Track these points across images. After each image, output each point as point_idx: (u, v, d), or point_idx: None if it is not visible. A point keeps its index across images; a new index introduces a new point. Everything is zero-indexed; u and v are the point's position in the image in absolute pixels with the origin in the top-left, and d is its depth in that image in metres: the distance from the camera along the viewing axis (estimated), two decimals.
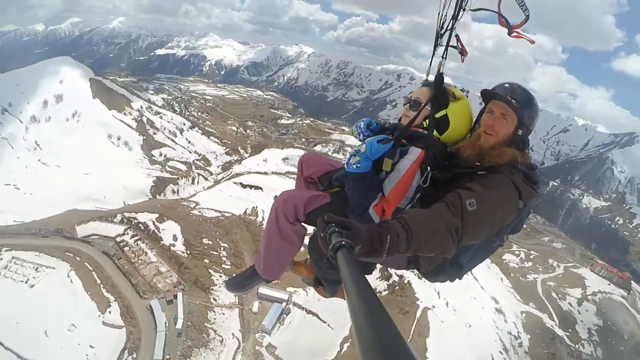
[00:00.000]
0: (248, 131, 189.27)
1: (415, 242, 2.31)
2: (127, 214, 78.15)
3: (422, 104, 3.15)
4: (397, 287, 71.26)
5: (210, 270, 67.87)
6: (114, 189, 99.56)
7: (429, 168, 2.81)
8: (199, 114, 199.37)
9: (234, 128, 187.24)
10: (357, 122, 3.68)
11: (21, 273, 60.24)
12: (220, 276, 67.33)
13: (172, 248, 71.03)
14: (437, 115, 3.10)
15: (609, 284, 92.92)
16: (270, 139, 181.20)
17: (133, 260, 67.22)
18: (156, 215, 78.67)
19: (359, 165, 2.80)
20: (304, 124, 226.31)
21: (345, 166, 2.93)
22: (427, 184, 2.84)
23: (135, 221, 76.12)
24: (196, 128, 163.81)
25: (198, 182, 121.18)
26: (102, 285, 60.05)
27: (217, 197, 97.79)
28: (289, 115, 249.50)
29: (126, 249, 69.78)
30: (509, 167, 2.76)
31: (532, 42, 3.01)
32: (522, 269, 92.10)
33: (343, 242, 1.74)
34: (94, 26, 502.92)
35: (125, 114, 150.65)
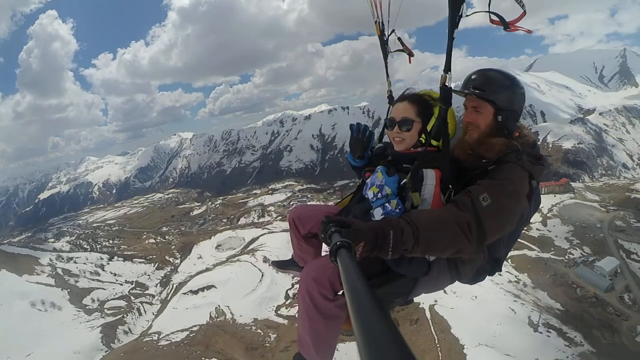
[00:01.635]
0: (167, 237, 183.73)
1: (423, 239, 2.30)
2: None
3: (413, 121, 2.94)
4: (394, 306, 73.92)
5: None
6: (64, 359, 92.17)
7: (450, 186, 2.71)
8: (111, 241, 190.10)
9: (152, 240, 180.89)
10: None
11: None
12: None
13: None
14: (430, 125, 2.94)
15: (555, 196, 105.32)
16: (192, 234, 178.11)
17: None
18: None
19: (400, 207, 2.63)
20: (217, 205, 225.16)
21: (385, 216, 2.57)
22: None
23: None
24: (115, 257, 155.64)
25: (145, 311, 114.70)
26: None
27: (175, 317, 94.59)
28: (199, 204, 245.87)
29: None
30: (513, 153, 2.74)
31: (530, 31, 2.82)
32: None
33: (341, 242, 1.71)
34: None
35: (38, 274, 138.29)
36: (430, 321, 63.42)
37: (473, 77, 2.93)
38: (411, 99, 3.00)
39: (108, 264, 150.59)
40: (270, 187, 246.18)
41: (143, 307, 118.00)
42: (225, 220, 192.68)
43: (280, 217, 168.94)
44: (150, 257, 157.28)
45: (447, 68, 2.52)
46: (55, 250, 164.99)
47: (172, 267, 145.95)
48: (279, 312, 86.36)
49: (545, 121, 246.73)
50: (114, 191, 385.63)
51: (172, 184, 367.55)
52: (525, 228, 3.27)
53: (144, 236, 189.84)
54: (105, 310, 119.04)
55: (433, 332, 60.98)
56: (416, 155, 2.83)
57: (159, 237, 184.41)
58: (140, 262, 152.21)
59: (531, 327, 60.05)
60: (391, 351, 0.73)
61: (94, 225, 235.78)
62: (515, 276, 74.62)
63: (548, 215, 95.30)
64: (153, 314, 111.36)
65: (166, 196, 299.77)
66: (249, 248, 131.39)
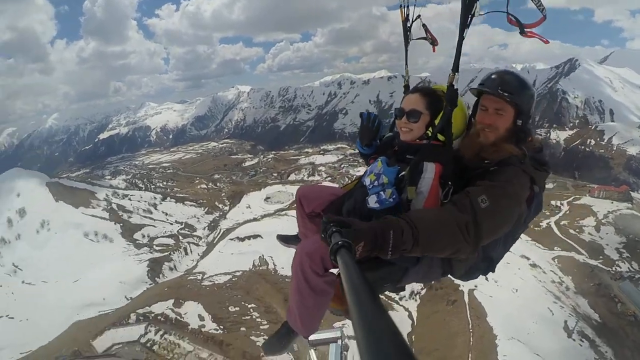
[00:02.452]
0: (218, 184, 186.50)
1: (423, 239, 2.28)
2: (140, 311, 73.87)
3: (422, 113, 2.88)
4: (432, 283, 71.05)
5: (252, 337, 64.28)
6: (111, 287, 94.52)
7: (449, 183, 2.67)
8: (165, 183, 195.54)
9: (204, 186, 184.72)
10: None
11: None
12: (264, 339, 63.61)
13: (203, 330, 67.47)
14: (438, 119, 2.83)
15: (612, 202, 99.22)
16: (243, 184, 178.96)
17: (169, 358, 62.94)
18: (171, 301, 75.00)
19: (394, 197, 2.65)
20: (269, 160, 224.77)
21: (379, 204, 2.65)
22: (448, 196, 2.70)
23: (153, 315, 72.05)
24: (168, 198, 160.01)
25: (191, 251, 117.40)
26: None
27: (220, 260, 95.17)
28: (251, 156, 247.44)
29: (156, 347, 65.36)
30: (518, 157, 2.72)
31: (547, 41, 2.71)
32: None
33: (341, 242, 1.71)
34: (30, 130, 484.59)
35: (93, 208, 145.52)
36: (467, 305, 63.53)
37: (498, 78, 2.91)
38: (423, 92, 2.99)
39: (160, 203, 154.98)
40: (322, 148, 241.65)
41: (190, 247, 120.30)
42: (275, 174, 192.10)
43: (329, 178, 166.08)
44: (201, 201, 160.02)
45: (456, 68, 2.54)
46: (111, 187, 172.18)
47: (221, 213, 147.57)
48: None
49: (613, 120, 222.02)
50: (171, 136, 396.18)
51: (226, 135, 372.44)
52: (523, 231, 3.15)
53: (197, 181, 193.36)
54: (154, 246, 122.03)
55: (468, 316, 60.96)
56: (420, 147, 2.88)
57: (210, 184, 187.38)
58: (190, 205, 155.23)
59: (566, 332, 60.26)
60: (392, 352, 0.73)
61: (150, 166, 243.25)
62: (560, 277, 73.28)
63: (602, 221, 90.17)
64: (198, 254, 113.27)
65: (220, 145, 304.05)
66: None
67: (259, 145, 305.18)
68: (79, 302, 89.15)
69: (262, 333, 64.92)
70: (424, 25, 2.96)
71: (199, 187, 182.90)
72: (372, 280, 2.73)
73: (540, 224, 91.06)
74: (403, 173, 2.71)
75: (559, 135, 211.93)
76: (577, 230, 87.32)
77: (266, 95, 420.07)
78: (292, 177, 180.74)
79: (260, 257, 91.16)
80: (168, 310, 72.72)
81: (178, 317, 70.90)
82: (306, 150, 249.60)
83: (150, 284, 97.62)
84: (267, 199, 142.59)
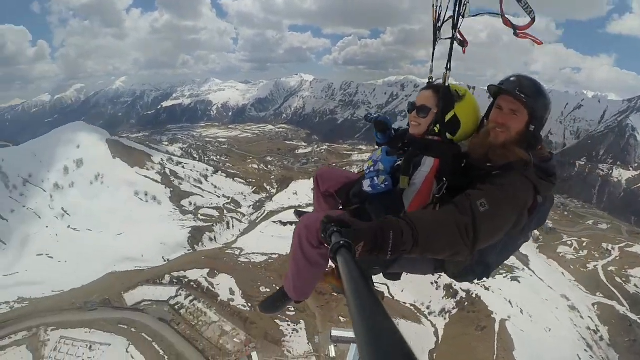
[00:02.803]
0: (269, 167, 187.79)
1: (422, 240, 2.31)
2: (175, 274, 74.24)
3: (430, 109, 3.04)
4: (466, 304, 69.36)
5: (277, 321, 62.51)
6: (150, 246, 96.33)
7: (444, 179, 2.78)
8: (218, 157, 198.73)
9: (255, 166, 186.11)
10: (369, 116, 3.66)
11: (74, 354, 55.56)
12: (288, 324, 62.79)
13: (231, 303, 66.82)
14: (448, 117, 2.97)
15: None
16: (293, 171, 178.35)
17: (193, 324, 62.50)
18: (206, 270, 74.88)
19: (386, 183, 2.89)
20: (322, 150, 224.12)
21: (371, 188, 2.94)
22: (444, 193, 2.82)
23: (186, 280, 72.19)
24: (219, 172, 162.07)
25: (233, 226, 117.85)
26: (166, 357, 55.12)
27: (260, 240, 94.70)
28: (305, 144, 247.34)
29: (183, 311, 65.22)
30: (521, 163, 2.67)
31: (540, 42, 2.91)
32: (579, 259, 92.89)
33: (342, 242, 1.72)
34: (98, 89, 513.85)
35: (147, 169, 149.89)
36: (496, 335, 60.99)
37: (517, 80, 2.88)
38: (436, 89, 3.07)
39: (212, 176, 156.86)
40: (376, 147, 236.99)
41: (232, 222, 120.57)
42: (327, 166, 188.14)
43: None
44: (250, 180, 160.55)
45: (448, 67, 2.87)
46: (167, 152, 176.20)
47: (268, 195, 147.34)
48: None
49: None
50: (230, 114, 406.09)
51: (284, 120, 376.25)
52: (524, 241, 3.16)
53: (249, 160, 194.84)
54: (199, 215, 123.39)
55: (495, 346, 58.61)
56: (425, 142, 3.03)
57: (262, 165, 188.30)
58: (240, 182, 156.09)
59: None
60: (392, 351, 0.73)
61: (206, 139, 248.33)
62: (596, 326, 69.46)
63: None
64: (239, 230, 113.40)
65: (277, 129, 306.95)
66: None
67: (314, 135, 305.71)
68: (118, 255, 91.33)
69: (286, 319, 63.62)
70: (456, 25, 2.83)
71: (250, 166, 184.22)
72: (360, 261, 2.63)
73: (587, 265, 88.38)
74: (399, 163, 2.89)
75: (621, 174, 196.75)
76: (623, 279, 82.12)
77: (328, 87, 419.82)
78: None
79: None
80: (202, 279, 72.62)
81: (210, 287, 70.71)
82: (360, 147, 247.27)
83: (188, 250, 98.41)
84: (314, 188, 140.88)
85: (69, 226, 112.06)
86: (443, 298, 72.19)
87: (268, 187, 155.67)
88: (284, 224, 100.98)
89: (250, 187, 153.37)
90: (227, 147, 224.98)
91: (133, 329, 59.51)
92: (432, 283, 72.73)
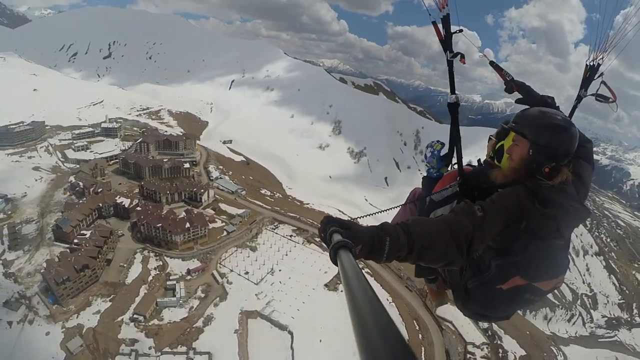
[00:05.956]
0: None
1: (417, 248, 2.45)
2: None
3: (491, 138, 3.58)
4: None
5: None
6: None
7: (455, 202, 3.54)
8: (607, 239, 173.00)
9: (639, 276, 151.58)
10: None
11: None
12: None
13: None
14: (497, 147, 3.45)
15: None
16: None
17: None
18: None
19: (437, 174, 4.24)
20: None
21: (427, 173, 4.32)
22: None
23: None
24: (602, 257, 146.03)
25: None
26: None
27: None
28: None
29: None
30: (518, 183, 3.03)
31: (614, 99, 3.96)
32: None
33: (343, 242, 1.75)
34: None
35: None
36: None
37: (520, 112, 3.31)
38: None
39: (592, 256, 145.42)
40: None
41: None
42: None
43: None
44: (624, 288, 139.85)
45: (452, 90, 3.48)
46: None
47: (629, 318, 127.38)
48: None
49: None
50: None
51: None
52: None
53: (636, 265, 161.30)
54: None
55: None
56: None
57: None
58: (612, 283, 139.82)
59: None
60: (392, 351, 0.74)
61: (605, 212, 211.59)
62: None
63: None
64: None
65: None
66: None
67: None
68: None
69: None
70: (460, 30, 3.38)
71: (633, 273, 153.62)
72: None
73: None
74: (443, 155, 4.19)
75: None
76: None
77: None
78: None
79: None
80: None
81: None
82: None
83: None
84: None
85: None
86: None
87: (635, 311, 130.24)
88: None
89: (618, 296, 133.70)
90: (621, 234, 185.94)
91: None
92: None
